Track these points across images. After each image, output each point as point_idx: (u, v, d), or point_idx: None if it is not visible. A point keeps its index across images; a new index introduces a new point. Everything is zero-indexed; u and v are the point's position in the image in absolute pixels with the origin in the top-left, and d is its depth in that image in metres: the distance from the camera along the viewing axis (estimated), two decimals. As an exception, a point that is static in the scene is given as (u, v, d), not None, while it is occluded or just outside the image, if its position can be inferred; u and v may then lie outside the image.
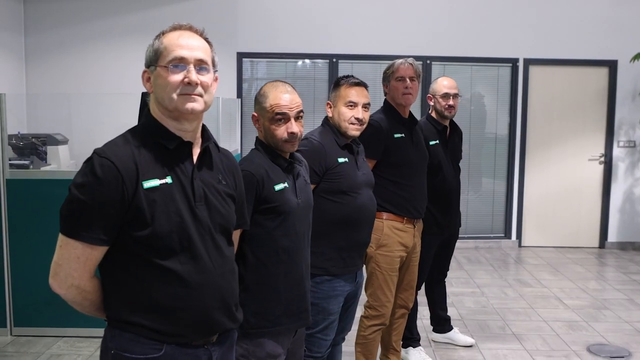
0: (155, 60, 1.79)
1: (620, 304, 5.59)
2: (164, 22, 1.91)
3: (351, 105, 3.00)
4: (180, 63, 1.76)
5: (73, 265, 1.69)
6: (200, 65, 1.79)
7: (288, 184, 2.41)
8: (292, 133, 2.40)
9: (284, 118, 2.40)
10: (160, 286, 1.73)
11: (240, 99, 7.39)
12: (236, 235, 2.08)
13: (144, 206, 1.69)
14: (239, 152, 7.10)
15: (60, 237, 1.70)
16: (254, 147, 2.52)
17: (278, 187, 2.37)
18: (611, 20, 7.52)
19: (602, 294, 5.89)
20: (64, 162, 6.02)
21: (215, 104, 5.94)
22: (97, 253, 1.70)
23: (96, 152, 1.71)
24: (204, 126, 1.89)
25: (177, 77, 1.76)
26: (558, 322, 5.07)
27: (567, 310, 5.40)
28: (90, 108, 7.17)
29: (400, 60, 3.54)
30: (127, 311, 1.74)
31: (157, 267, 1.72)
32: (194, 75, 1.76)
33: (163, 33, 1.82)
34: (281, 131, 2.40)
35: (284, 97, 2.41)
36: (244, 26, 7.42)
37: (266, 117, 2.42)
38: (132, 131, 1.81)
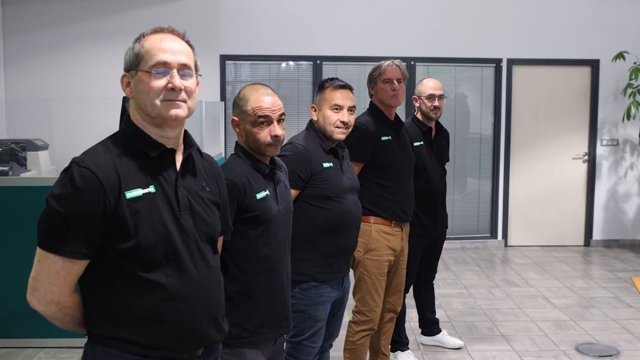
0: (136, 64, 1.72)
1: (607, 302, 5.60)
2: (145, 24, 1.85)
3: (336, 109, 2.95)
4: (163, 68, 1.70)
5: (53, 281, 1.63)
6: (183, 69, 1.73)
7: (269, 191, 2.36)
8: (276, 136, 2.35)
9: (266, 121, 2.34)
10: (144, 299, 1.67)
11: (223, 102, 7.33)
12: (220, 242, 2.03)
13: (127, 217, 1.62)
14: (223, 155, 7.03)
15: (39, 251, 1.63)
16: (233, 152, 2.46)
17: (260, 195, 2.31)
18: (593, 20, 7.54)
19: (588, 293, 5.90)
20: (45, 168, 5.92)
21: (199, 107, 5.87)
22: (77, 267, 1.64)
23: (75, 161, 1.64)
24: (186, 132, 1.84)
25: (160, 83, 1.69)
26: (546, 322, 5.06)
27: (555, 309, 5.40)
28: (71, 113, 7.06)
29: (387, 62, 3.51)
30: (109, 326, 1.68)
31: (142, 279, 1.66)
32: (177, 81, 1.70)
33: (143, 36, 1.75)
34: (264, 135, 2.35)
35: (265, 100, 2.35)
36: (226, 28, 7.35)
37: (248, 120, 2.36)
38: (112, 138, 1.75)
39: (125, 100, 3.18)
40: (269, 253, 2.32)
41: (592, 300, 5.64)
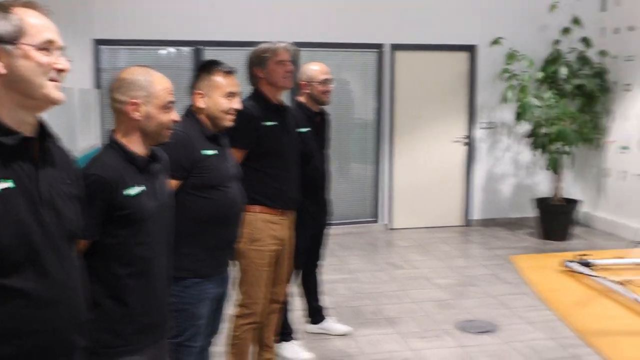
0: (15, 37, 1.53)
1: (486, 279, 5.81)
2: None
3: (231, 96, 2.84)
4: (50, 46, 1.56)
5: None
6: (61, 51, 1.60)
7: (146, 186, 2.16)
8: (175, 121, 2.28)
9: (172, 104, 2.25)
10: (1, 308, 1.50)
11: (99, 90, 6.97)
12: (81, 246, 1.88)
13: None
14: (99, 147, 6.69)
15: None
16: (107, 143, 2.26)
17: (134, 191, 2.12)
18: (471, 7, 7.76)
19: (468, 271, 6.10)
20: None
21: (72, 95, 5.55)
22: None
23: None
24: (41, 119, 1.68)
25: (50, 60, 1.55)
26: (429, 303, 5.19)
27: (437, 289, 5.54)
28: None
29: (282, 44, 3.43)
30: None
31: None
32: (66, 62, 1.57)
33: (11, 6, 1.56)
34: (167, 119, 2.23)
35: (169, 83, 2.26)
36: (100, 11, 6.94)
37: (154, 104, 2.19)
38: None
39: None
40: (144, 253, 2.13)
41: (472, 279, 5.84)
